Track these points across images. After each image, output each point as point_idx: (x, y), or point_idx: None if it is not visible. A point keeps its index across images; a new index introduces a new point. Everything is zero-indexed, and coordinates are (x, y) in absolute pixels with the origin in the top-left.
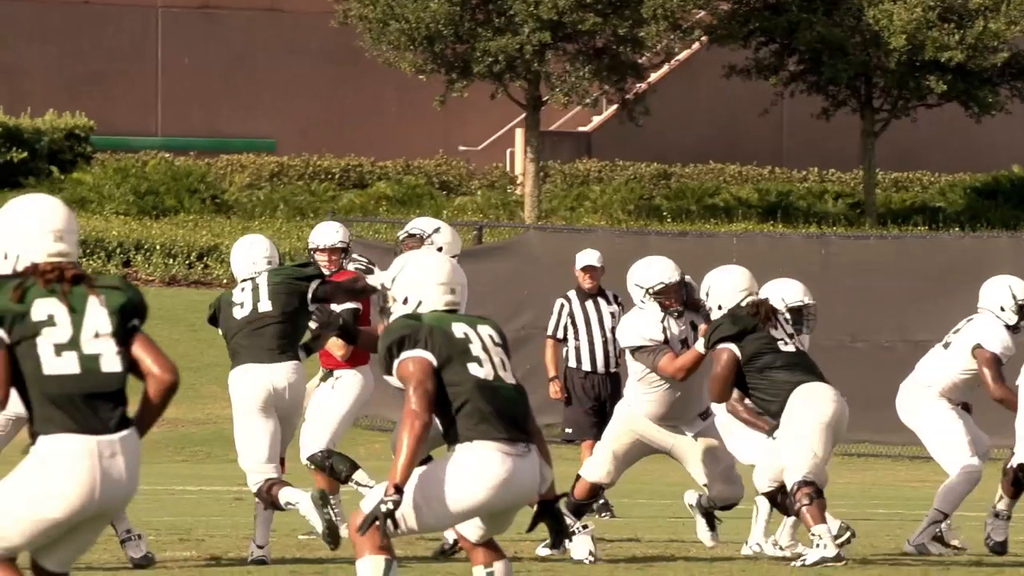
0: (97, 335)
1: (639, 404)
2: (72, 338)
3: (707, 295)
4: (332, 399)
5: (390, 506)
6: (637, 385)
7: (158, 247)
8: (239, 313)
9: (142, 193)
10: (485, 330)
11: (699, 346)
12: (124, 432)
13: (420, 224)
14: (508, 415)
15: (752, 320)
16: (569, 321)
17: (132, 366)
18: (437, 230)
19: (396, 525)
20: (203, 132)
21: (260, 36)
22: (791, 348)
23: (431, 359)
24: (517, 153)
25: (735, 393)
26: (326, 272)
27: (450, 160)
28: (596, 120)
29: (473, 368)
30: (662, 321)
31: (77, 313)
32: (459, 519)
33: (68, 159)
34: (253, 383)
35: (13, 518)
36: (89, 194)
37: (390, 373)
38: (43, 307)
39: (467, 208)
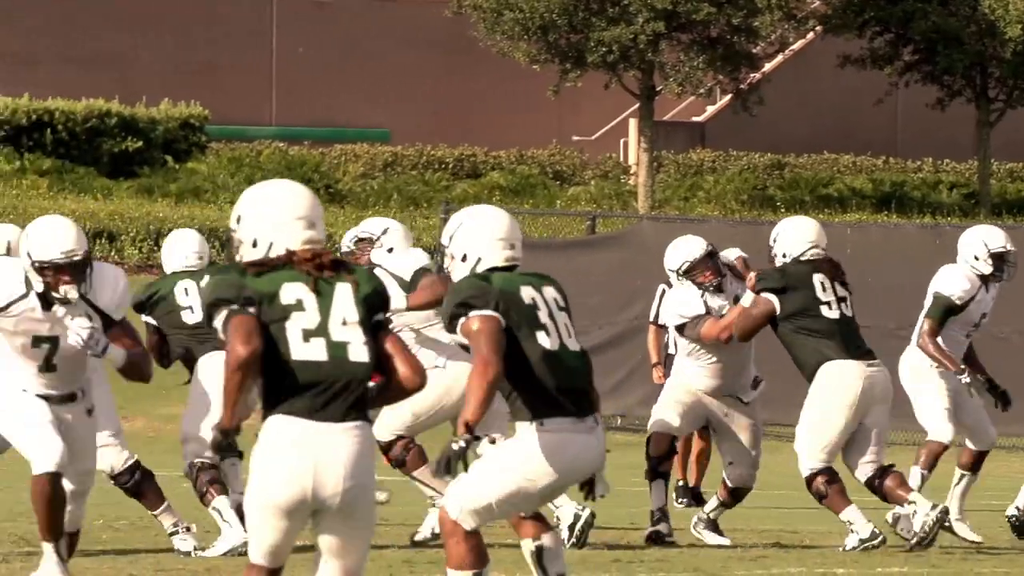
0: (345, 323)
1: (692, 377)
2: (320, 324)
3: (774, 242)
4: None
5: (462, 444)
6: (687, 360)
7: None
8: (189, 318)
9: (256, 182)
10: (550, 293)
11: (745, 301)
12: (351, 423)
13: (368, 226)
14: (574, 387)
15: (804, 276)
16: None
17: (378, 361)
18: (386, 231)
19: (467, 466)
20: (317, 122)
21: (375, 25)
22: (834, 314)
23: (500, 319)
24: (631, 143)
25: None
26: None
27: (564, 150)
28: (710, 110)
29: (541, 338)
30: (702, 297)
31: (324, 300)
32: (535, 503)
33: (183, 148)
34: (216, 374)
35: (254, 506)
36: (203, 184)
37: (454, 331)
38: (291, 291)
39: (580, 198)
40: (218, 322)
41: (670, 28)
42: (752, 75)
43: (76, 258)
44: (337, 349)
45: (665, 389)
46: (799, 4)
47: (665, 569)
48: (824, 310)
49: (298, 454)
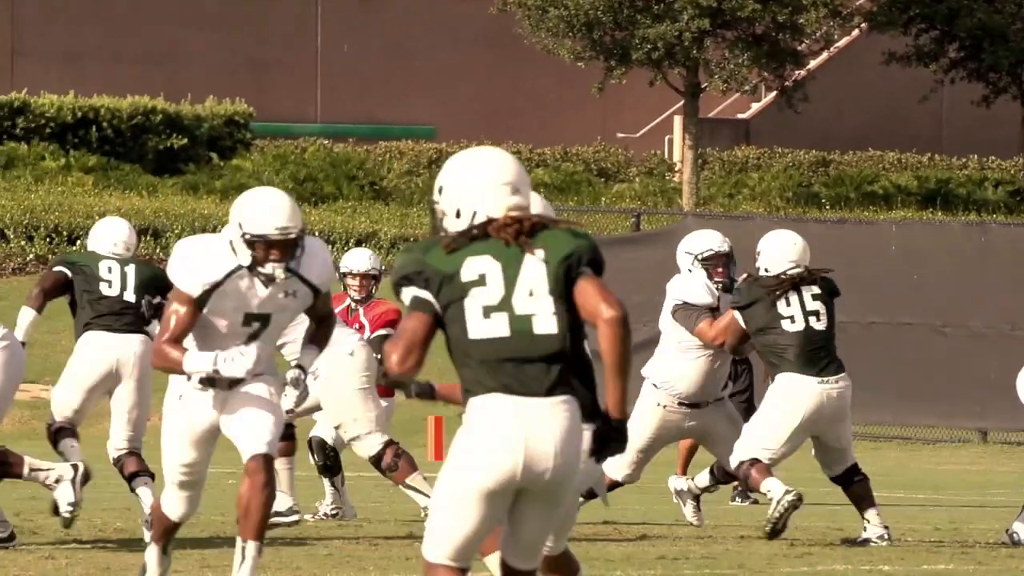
0: (531, 293)
1: (672, 379)
2: (504, 298)
3: (758, 254)
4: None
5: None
6: (676, 355)
7: (316, 233)
8: (107, 290)
9: (301, 180)
10: None
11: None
12: (558, 397)
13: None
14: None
15: (767, 291)
16: None
17: (575, 317)
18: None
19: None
20: (362, 119)
21: (419, 22)
22: (797, 327)
23: None
24: (675, 140)
25: None
26: (356, 296)
27: (608, 147)
28: (755, 107)
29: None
30: (717, 290)
31: (511, 270)
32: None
33: (228, 146)
34: (103, 350)
35: (451, 493)
36: (248, 181)
37: None
38: (474, 266)
39: (625, 195)
40: (404, 301)
41: (715, 25)
42: (797, 72)
43: (290, 236)
44: (520, 323)
45: (639, 415)
46: (844, 1)
47: (710, 566)
48: (786, 324)
49: (505, 430)
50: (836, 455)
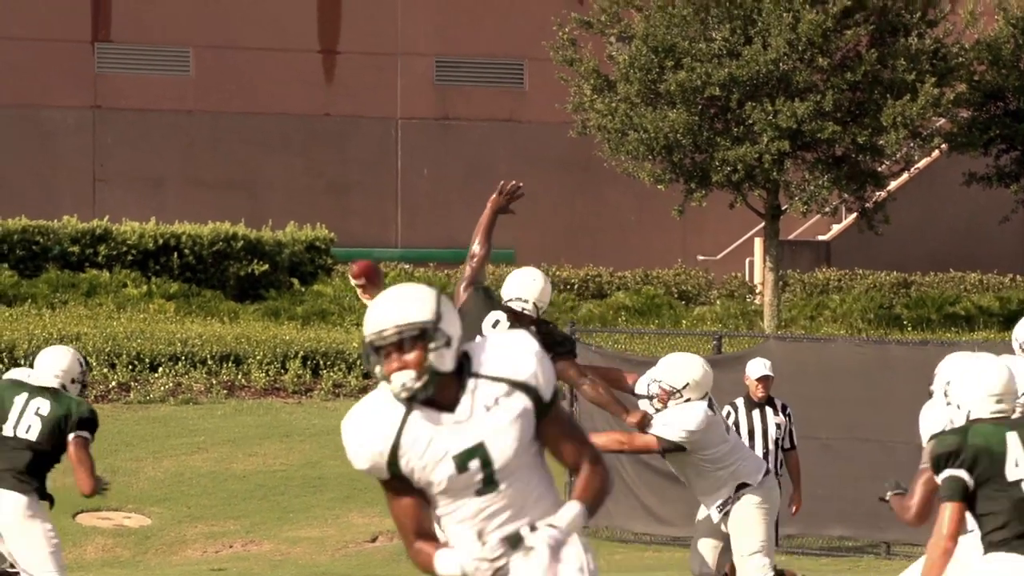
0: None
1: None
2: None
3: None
4: None
5: None
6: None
7: None
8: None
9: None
10: None
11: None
12: None
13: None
14: None
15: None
16: (734, 429)
17: None
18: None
19: None
20: (442, 243)
21: (498, 146)
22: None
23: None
24: (756, 262)
25: None
26: None
27: (689, 270)
28: (835, 228)
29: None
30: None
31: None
32: None
33: (309, 271)
34: None
35: None
36: (329, 306)
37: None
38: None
39: (706, 318)
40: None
41: (795, 147)
42: (877, 193)
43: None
44: None
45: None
46: (924, 122)
47: None
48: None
49: None
50: None
